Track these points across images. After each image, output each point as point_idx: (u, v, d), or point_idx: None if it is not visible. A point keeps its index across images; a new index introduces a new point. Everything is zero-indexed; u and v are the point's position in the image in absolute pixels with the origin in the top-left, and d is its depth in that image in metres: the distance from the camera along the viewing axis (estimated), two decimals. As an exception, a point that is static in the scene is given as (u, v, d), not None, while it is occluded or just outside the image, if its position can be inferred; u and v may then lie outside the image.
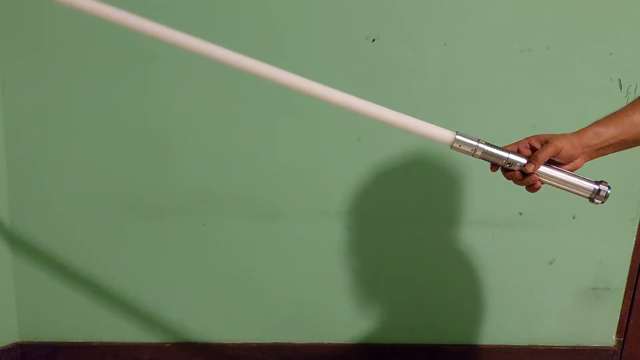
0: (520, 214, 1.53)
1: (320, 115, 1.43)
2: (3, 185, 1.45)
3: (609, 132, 0.81)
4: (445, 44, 1.39)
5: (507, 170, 0.82)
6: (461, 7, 1.37)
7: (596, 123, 0.83)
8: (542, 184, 0.82)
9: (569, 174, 0.82)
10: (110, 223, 1.49)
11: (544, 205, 1.52)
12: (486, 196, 1.51)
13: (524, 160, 0.81)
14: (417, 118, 1.47)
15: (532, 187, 0.82)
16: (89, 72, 1.38)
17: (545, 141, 0.81)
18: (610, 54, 1.41)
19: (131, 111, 1.41)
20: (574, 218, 1.54)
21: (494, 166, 0.83)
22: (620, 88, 1.44)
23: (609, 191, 0.81)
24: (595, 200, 0.82)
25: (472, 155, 0.81)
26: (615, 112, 0.83)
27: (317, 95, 0.83)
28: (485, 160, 0.82)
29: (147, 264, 1.53)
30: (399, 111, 1.42)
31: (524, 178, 0.82)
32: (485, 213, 1.53)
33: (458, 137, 0.80)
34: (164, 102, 1.41)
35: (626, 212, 1.55)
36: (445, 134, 0.81)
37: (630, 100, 1.43)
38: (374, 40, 1.38)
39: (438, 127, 0.81)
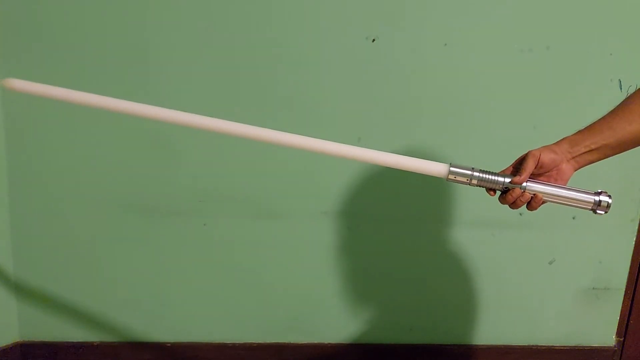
0: (520, 214, 1.53)
1: (320, 115, 1.43)
2: (4, 185, 1.45)
3: (587, 139, 0.82)
4: (445, 44, 1.39)
5: (502, 192, 0.84)
6: (461, 7, 1.37)
7: (576, 132, 0.84)
8: (541, 199, 0.83)
9: (567, 189, 0.83)
10: (111, 223, 1.49)
11: (544, 205, 1.51)
12: (486, 196, 1.50)
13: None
14: (418, 119, 1.48)
15: (530, 205, 0.84)
16: (89, 72, 1.38)
17: (531, 156, 0.83)
18: (610, 54, 1.41)
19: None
20: (573, 218, 1.54)
21: (491, 190, 0.85)
22: (621, 88, 1.44)
23: (610, 201, 0.82)
24: (597, 211, 0.83)
25: (469, 184, 0.83)
26: (595, 121, 0.85)
27: (309, 149, 0.86)
28: (482, 187, 0.84)
29: (147, 263, 1.53)
30: (399, 112, 1.43)
31: (519, 199, 0.83)
32: (485, 213, 1.53)
33: (452, 168, 0.82)
34: (164, 102, 1.41)
35: (626, 212, 1.55)
36: (438, 168, 0.83)
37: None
38: (374, 40, 1.38)
39: (431, 162, 0.84)
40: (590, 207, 0.83)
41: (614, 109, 0.85)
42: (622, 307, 1.63)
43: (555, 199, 0.83)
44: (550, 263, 1.58)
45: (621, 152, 0.84)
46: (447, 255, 1.57)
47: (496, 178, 0.83)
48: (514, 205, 0.84)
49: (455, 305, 1.62)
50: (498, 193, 0.86)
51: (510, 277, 1.59)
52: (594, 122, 0.84)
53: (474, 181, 0.83)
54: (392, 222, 1.53)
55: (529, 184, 0.82)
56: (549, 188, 0.82)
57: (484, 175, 0.83)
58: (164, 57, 1.38)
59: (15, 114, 1.41)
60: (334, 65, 1.39)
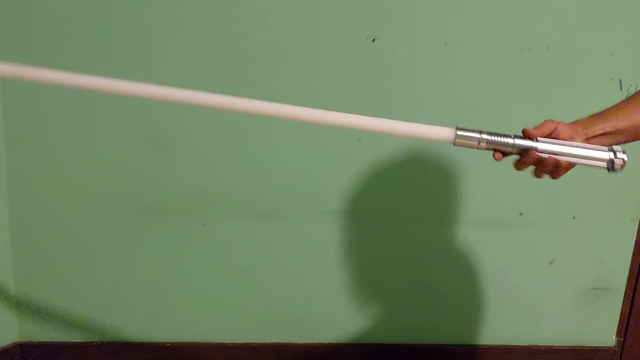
0: (521, 214, 1.53)
1: (320, 115, 1.43)
2: (3, 185, 1.45)
3: (601, 122, 0.82)
4: (445, 44, 1.39)
5: (520, 158, 0.80)
6: (461, 7, 1.37)
7: (589, 116, 0.84)
8: (566, 166, 0.78)
9: (581, 146, 0.79)
10: (110, 223, 1.49)
11: (544, 205, 1.52)
12: (486, 196, 1.51)
13: (530, 143, 0.78)
14: (418, 118, 1.47)
15: (555, 172, 0.79)
16: (89, 72, 1.38)
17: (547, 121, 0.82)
18: (610, 54, 1.41)
19: (131, 111, 1.41)
20: (574, 218, 1.54)
21: (498, 153, 0.80)
22: (621, 88, 1.44)
23: (625, 157, 0.78)
24: (614, 167, 0.79)
25: (477, 147, 0.79)
26: (609, 107, 0.85)
27: (304, 119, 0.83)
28: (492, 149, 0.80)
29: (147, 263, 1.53)
30: (399, 112, 1.43)
31: (538, 165, 0.79)
32: (485, 213, 1.53)
33: (459, 132, 0.78)
34: (163, 104, 1.41)
35: (626, 212, 1.55)
36: (445, 132, 0.79)
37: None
38: (374, 40, 1.38)
39: (437, 126, 0.79)
40: (605, 165, 0.79)
41: (629, 97, 0.85)
42: (622, 307, 1.63)
43: (571, 157, 0.78)
44: (550, 263, 1.58)
45: (634, 140, 0.83)
46: (447, 255, 1.57)
47: (506, 140, 0.78)
48: (538, 172, 0.80)
49: (456, 305, 1.62)
50: (509, 162, 0.82)
51: (510, 277, 1.59)
52: (607, 108, 0.84)
53: (483, 144, 0.79)
54: (392, 221, 1.53)
55: (540, 144, 0.78)
56: (562, 147, 0.78)
57: (494, 138, 0.78)
58: (162, 56, 1.38)
59: (15, 114, 1.41)
60: (334, 65, 1.39)
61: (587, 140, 0.81)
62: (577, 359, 1.66)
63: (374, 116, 1.42)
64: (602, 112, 0.84)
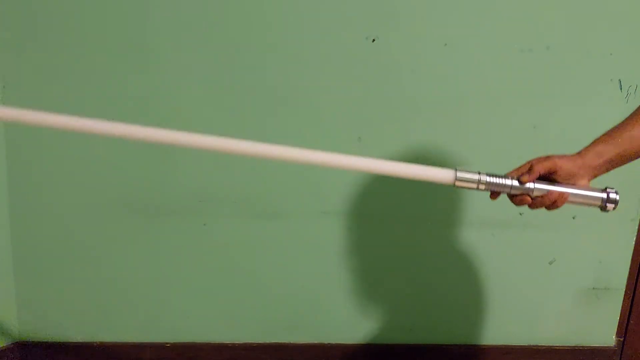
0: (521, 214, 1.53)
1: (320, 115, 1.43)
2: (3, 184, 1.45)
3: (610, 151, 0.81)
4: (445, 44, 1.39)
5: (514, 196, 0.83)
6: (461, 7, 1.37)
7: (596, 142, 0.83)
8: (565, 200, 0.81)
9: (576, 188, 0.82)
10: (110, 223, 1.49)
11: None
12: (486, 196, 1.50)
13: (527, 186, 0.81)
14: (418, 118, 1.48)
15: (554, 205, 0.82)
16: (89, 73, 1.38)
17: (546, 158, 0.82)
18: (611, 54, 1.41)
19: (131, 110, 1.41)
20: (574, 218, 1.54)
21: (494, 194, 0.84)
22: (621, 88, 1.44)
23: (617, 197, 0.83)
24: (607, 207, 0.83)
25: (477, 189, 0.82)
26: (614, 128, 0.84)
27: (311, 162, 0.84)
28: (491, 190, 0.83)
29: (147, 264, 1.53)
30: (399, 112, 1.43)
31: (535, 201, 0.82)
32: (485, 213, 1.52)
33: (459, 174, 0.81)
34: (163, 102, 1.41)
35: (626, 212, 1.55)
36: (445, 175, 0.81)
37: (629, 101, 1.43)
38: (374, 40, 1.38)
39: (437, 168, 0.81)
40: (599, 204, 0.83)
41: (633, 114, 0.84)
42: (622, 307, 1.63)
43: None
44: (550, 263, 1.58)
45: (638, 158, 0.84)
46: (446, 256, 1.57)
47: (504, 181, 0.81)
48: (533, 207, 0.83)
49: (456, 305, 1.62)
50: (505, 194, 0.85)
51: (510, 277, 1.59)
52: (613, 130, 0.83)
53: (482, 186, 0.82)
54: (392, 222, 1.53)
55: (536, 185, 0.81)
56: (557, 188, 0.81)
57: (492, 180, 0.81)
58: (163, 57, 1.38)
59: (15, 113, 1.41)
60: (334, 65, 1.39)
61: (594, 171, 0.82)
62: (577, 359, 1.66)
63: (374, 117, 1.43)
64: (610, 137, 0.83)
